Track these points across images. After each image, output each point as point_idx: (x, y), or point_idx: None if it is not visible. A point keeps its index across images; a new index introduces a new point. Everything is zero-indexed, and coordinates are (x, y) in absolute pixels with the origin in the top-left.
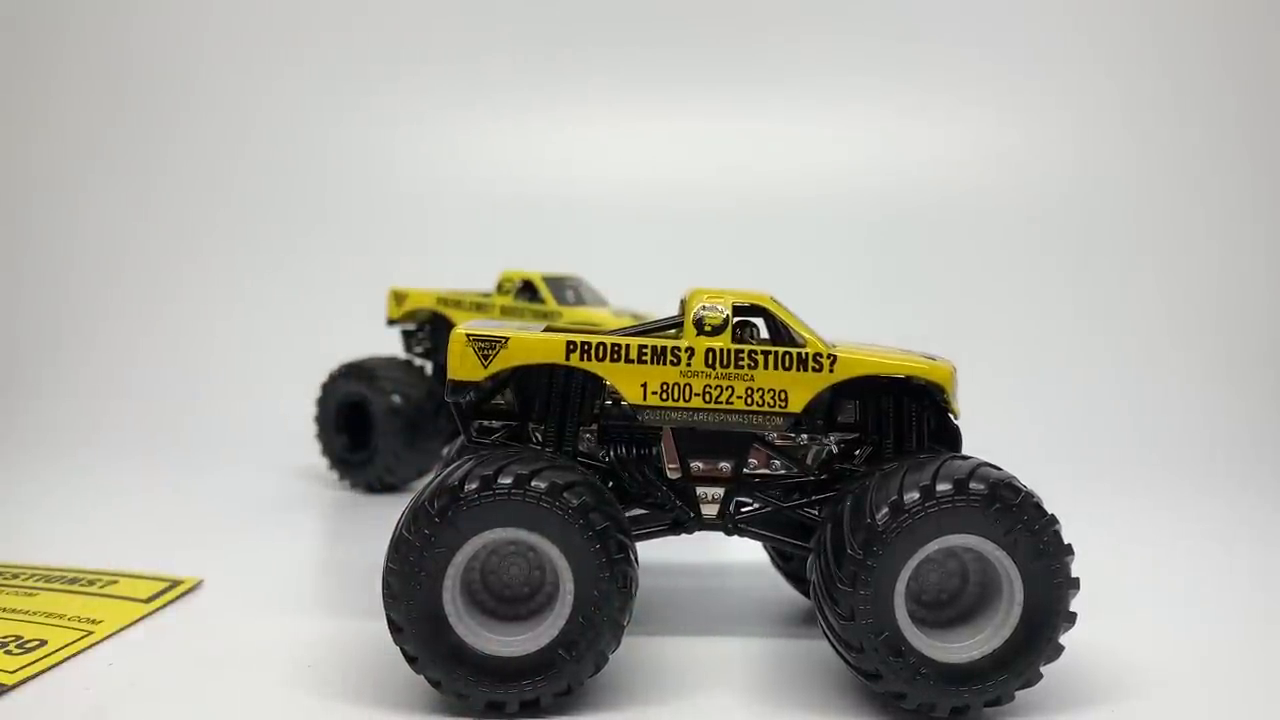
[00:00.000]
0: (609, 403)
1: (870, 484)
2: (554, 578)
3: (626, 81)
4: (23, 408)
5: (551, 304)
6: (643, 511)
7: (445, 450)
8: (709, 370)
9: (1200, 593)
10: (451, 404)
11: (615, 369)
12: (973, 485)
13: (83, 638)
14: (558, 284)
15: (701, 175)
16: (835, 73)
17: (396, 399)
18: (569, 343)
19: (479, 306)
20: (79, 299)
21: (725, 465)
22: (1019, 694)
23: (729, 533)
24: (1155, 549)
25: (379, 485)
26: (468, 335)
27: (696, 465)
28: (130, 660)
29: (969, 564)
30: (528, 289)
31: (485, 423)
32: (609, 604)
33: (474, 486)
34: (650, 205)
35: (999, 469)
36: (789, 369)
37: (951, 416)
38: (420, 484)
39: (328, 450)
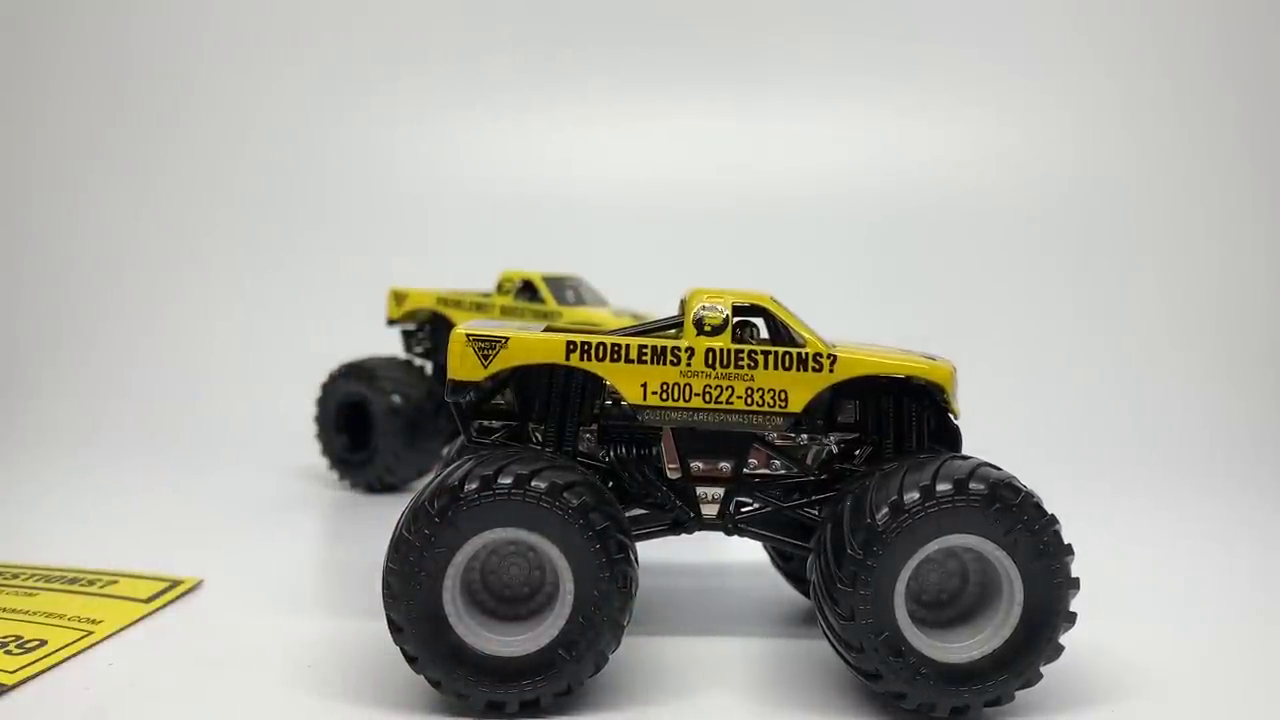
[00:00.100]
0: (609, 403)
1: (870, 484)
2: (554, 578)
3: (626, 81)
4: (23, 408)
5: (551, 304)
6: (643, 511)
7: (445, 450)
8: (709, 370)
9: (1200, 593)
10: (451, 404)
11: (615, 369)
12: (973, 485)
13: (83, 638)
14: (558, 284)
15: (701, 175)
16: (835, 73)
17: (396, 399)
18: (569, 343)
19: (479, 306)
20: (79, 299)
21: (725, 465)
22: (1019, 694)
23: (729, 533)
24: (1155, 549)
25: (379, 485)
26: (468, 335)
27: (696, 465)
28: (130, 660)
29: (969, 564)
30: (528, 289)
31: (485, 423)
32: (609, 604)
33: (474, 486)
34: (650, 205)
35: (999, 469)
36: (789, 369)
37: (951, 416)
38: (420, 484)
39: (328, 450)
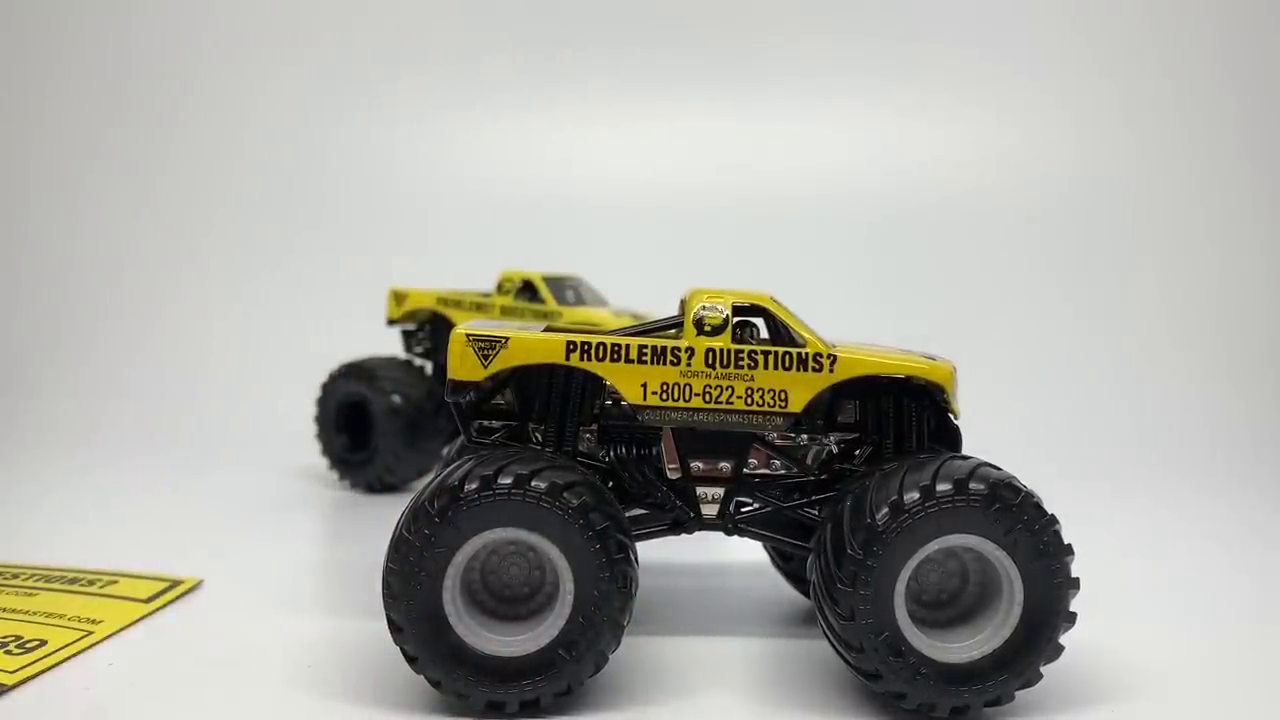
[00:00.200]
0: (609, 403)
1: (870, 484)
2: (554, 578)
3: (626, 81)
4: (23, 408)
5: (551, 304)
6: (643, 511)
7: (445, 450)
8: (709, 370)
9: (1200, 593)
10: (451, 404)
11: (615, 369)
12: (973, 485)
13: (83, 638)
14: (558, 284)
15: (701, 175)
16: (835, 73)
17: (396, 399)
18: (569, 343)
19: (479, 306)
20: (79, 299)
21: (725, 465)
22: (1019, 694)
23: (729, 533)
24: (1155, 549)
25: (379, 485)
26: (468, 335)
27: (696, 465)
28: (130, 660)
29: (969, 564)
30: (528, 289)
31: (485, 423)
32: (609, 604)
33: (474, 486)
34: (650, 205)
35: (999, 469)
36: (789, 369)
37: (951, 416)
38: (420, 484)
39: (328, 450)
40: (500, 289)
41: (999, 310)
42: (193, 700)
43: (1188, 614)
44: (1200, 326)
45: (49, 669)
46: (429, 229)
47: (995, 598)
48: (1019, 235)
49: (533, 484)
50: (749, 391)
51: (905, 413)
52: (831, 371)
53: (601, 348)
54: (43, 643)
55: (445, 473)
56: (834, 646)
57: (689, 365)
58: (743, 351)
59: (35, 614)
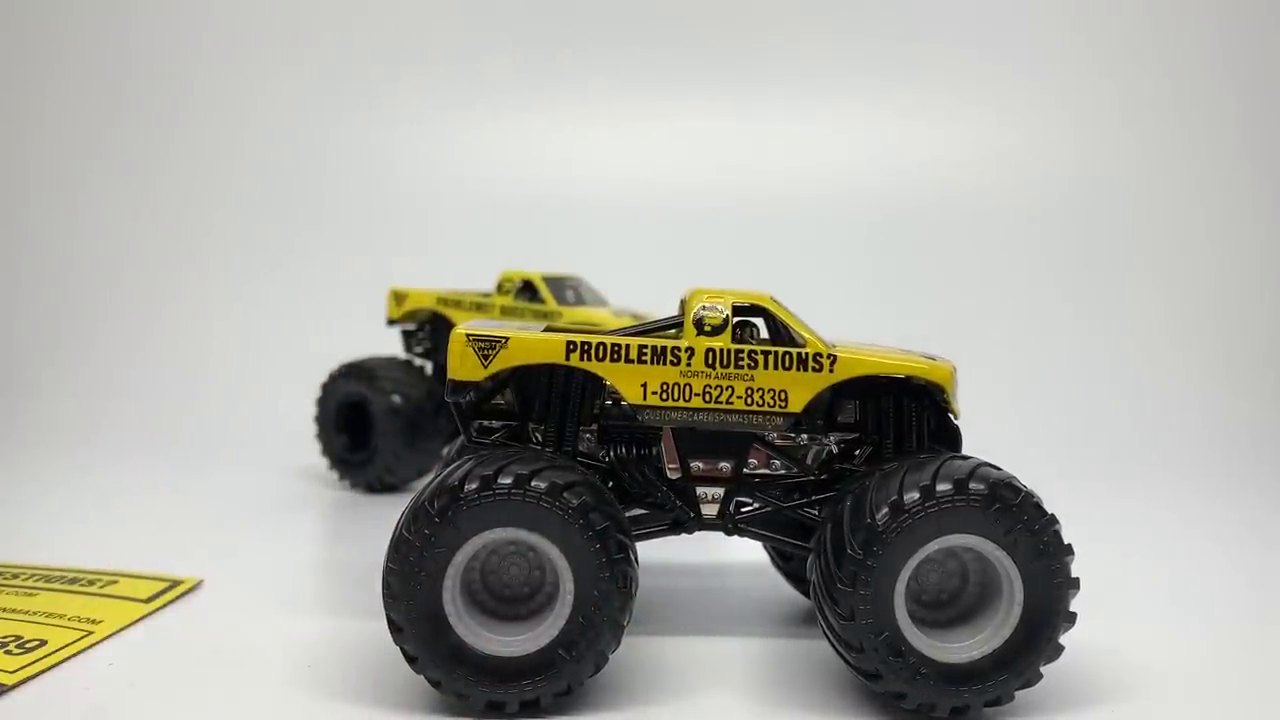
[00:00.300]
0: (609, 403)
1: (870, 484)
2: (554, 578)
3: (626, 81)
4: (23, 408)
5: (551, 304)
6: (643, 511)
7: (445, 450)
8: (709, 370)
9: (1200, 593)
10: (451, 404)
11: (615, 369)
12: (973, 485)
13: (83, 638)
14: (558, 284)
15: (701, 175)
16: (835, 73)
17: (396, 399)
18: (569, 343)
19: (479, 306)
20: (79, 299)
21: (725, 465)
22: (1019, 694)
23: (729, 533)
24: (1155, 549)
25: (379, 485)
26: (468, 335)
27: (696, 465)
28: (130, 660)
29: (969, 564)
30: (528, 289)
31: (485, 423)
32: (609, 604)
33: (474, 486)
34: (650, 205)
35: (999, 469)
36: (789, 369)
37: (951, 416)
38: (420, 484)
39: (328, 450)
40: (500, 289)
41: (999, 310)
42: (193, 700)
43: (1188, 614)
44: (1200, 326)
45: (49, 669)
46: (429, 229)
47: (995, 598)
48: (1019, 235)
49: (533, 484)
50: (749, 391)
51: (905, 413)
52: (831, 371)
53: (601, 348)
54: (43, 643)
55: (445, 473)
56: (834, 646)
57: (689, 365)
58: (743, 351)
59: (35, 614)
